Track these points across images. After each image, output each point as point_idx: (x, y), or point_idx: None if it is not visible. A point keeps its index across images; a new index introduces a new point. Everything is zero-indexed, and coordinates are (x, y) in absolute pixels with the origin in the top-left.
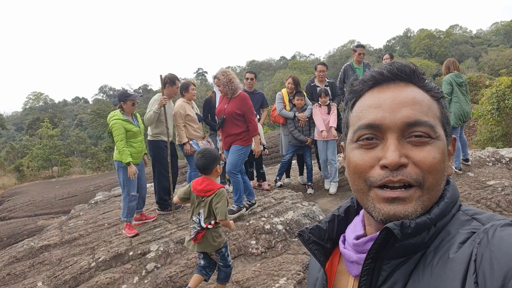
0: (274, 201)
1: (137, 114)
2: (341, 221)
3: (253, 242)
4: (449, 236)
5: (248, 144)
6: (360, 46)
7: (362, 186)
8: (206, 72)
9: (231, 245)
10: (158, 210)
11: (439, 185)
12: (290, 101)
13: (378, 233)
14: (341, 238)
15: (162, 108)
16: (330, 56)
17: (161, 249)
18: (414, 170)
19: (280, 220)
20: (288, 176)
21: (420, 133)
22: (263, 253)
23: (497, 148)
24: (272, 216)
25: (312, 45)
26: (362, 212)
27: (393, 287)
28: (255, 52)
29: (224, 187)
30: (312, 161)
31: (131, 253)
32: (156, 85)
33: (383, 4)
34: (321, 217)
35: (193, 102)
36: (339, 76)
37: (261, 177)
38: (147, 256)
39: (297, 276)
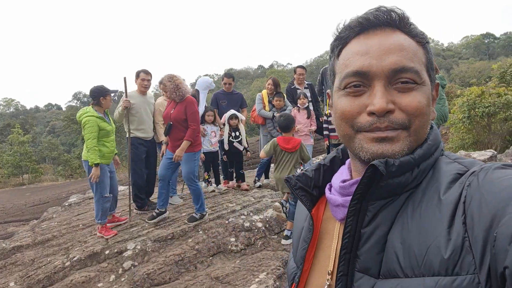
0: (253, 199)
1: (108, 112)
2: (326, 170)
3: (233, 239)
4: (435, 178)
5: (198, 149)
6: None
7: (349, 131)
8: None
9: (210, 243)
10: (135, 209)
11: (424, 128)
12: (269, 102)
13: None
14: (327, 185)
15: (140, 105)
16: (307, 65)
17: (138, 247)
18: (400, 116)
19: (260, 218)
20: (267, 177)
21: (406, 79)
22: (242, 250)
23: None
24: (251, 214)
25: (289, 55)
26: (348, 161)
27: (378, 227)
28: (233, 60)
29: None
30: None
31: (107, 252)
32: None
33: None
34: None
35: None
36: (318, 78)
37: (240, 177)
38: (124, 254)
39: (277, 271)
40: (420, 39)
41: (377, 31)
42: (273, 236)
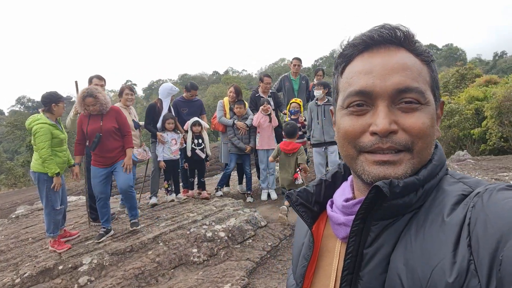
0: (215, 208)
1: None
2: (328, 186)
3: (195, 250)
4: (439, 199)
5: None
6: (296, 58)
7: (352, 151)
8: (135, 85)
9: (171, 254)
10: (91, 221)
11: (428, 149)
12: (231, 109)
13: (363, 198)
14: (329, 202)
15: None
16: (262, 72)
17: (95, 261)
18: (403, 137)
19: (222, 227)
20: (227, 185)
21: (410, 99)
22: (205, 261)
23: None
24: (213, 223)
25: (244, 61)
26: (350, 177)
27: (381, 247)
28: (188, 65)
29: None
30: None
31: (60, 267)
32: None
33: (312, 26)
34: (263, 223)
35: (132, 108)
36: (274, 85)
37: (201, 186)
38: (79, 269)
39: (242, 281)
40: (425, 58)
41: (381, 49)
42: (236, 246)
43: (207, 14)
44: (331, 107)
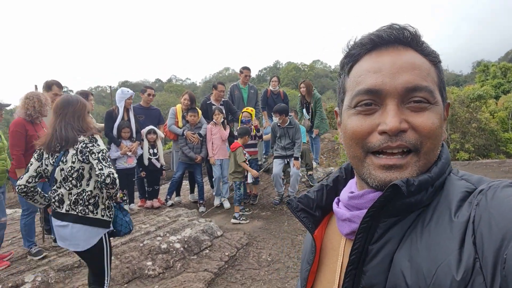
0: (168, 219)
1: None
2: (330, 191)
3: (149, 263)
4: (445, 196)
5: None
6: (246, 68)
7: (359, 152)
8: (71, 91)
9: (124, 269)
10: (45, 233)
11: (435, 150)
12: (183, 117)
13: (372, 189)
14: (335, 200)
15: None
16: (206, 81)
17: (39, 279)
18: (413, 135)
19: (178, 238)
20: (178, 194)
21: (419, 98)
22: (161, 274)
23: None
24: (168, 234)
25: (188, 70)
26: (353, 180)
27: (387, 244)
28: (129, 72)
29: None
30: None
31: None
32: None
33: (256, 36)
34: (219, 233)
35: (90, 114)
36: (227, 96)
37: (155, 194)
38: None
39: None
40: (433, 58)
41: (389, 48)
42: (192, 257)
43: (148, 19)
44: (336, 108)
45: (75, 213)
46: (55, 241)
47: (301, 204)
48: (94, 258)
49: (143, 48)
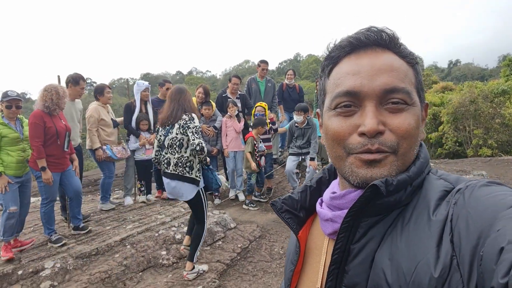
0: (183, 210)
1: (24, 118)
2: (313, 191)
3: (164, 252)
4: (424, 196)
5: None
6: (263, 61)
7: (341, 152)
8: (95, 82)
9: (139, 257)
10: (64, 221)
11: (412, 150)
12: (198, 110)
13: (353, 189)
14: (319, 200)
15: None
16: (226, 74)
17: (58, 265)
18: (390, 137)
19: None
20: None
21: (397, 100)
22: (174, 264)
23: None
24: (182, 225)
25: (209, 62)
26: (335, 181)
27: (368, 243)
28: (151, 64)
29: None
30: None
31: (20, 272)
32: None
33: (277, 28)
34: (232, 225)
35: (109, 106)
36: (245, 89)
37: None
38: (40, 274)
39: (213, 283)
40: (410, 60)
41: (368, 51)
42: (206, 248)
43: (171, 13)
44: (317, 110)
45: (176, 172)
46: (74, 229)
47: (285, 205)
48: (197, 205)
49: (165, 41)
